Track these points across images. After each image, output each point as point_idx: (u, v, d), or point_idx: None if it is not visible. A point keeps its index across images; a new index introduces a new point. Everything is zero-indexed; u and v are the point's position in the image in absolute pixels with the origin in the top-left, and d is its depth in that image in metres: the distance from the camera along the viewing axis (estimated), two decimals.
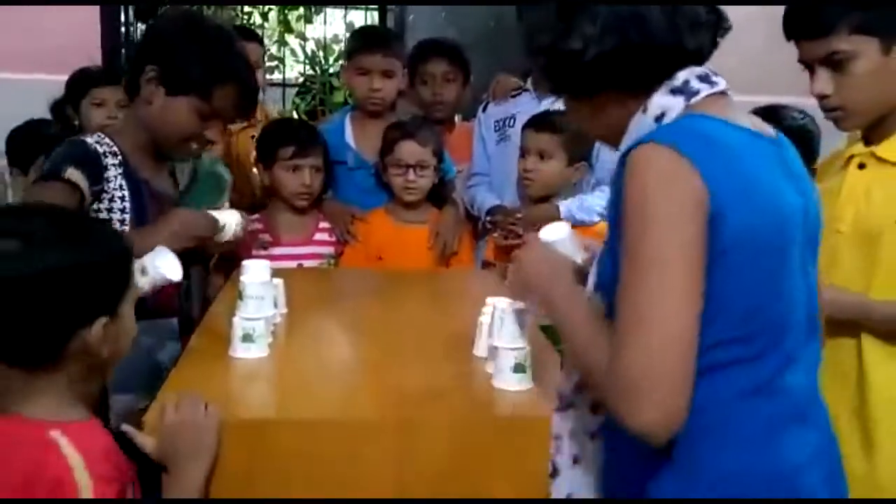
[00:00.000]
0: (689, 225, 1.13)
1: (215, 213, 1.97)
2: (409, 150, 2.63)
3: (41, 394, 1.21)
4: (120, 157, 1.90)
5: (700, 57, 1.28)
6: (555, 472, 1.37)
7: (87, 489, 1.15)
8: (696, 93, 1.24)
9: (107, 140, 1.91)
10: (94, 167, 1.85)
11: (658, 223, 1.13)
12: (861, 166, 1.72)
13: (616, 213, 1.20)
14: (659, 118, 1.24)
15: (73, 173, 1.79)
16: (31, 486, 1.15)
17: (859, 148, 1.72)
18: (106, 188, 1.87)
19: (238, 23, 7.10)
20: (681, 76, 1.25)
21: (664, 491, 1.22)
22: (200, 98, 1.86)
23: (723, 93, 1.27)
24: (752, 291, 1.19)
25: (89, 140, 1.90)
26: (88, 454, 1.18)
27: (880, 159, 1.69)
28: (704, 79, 1.26)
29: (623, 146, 1.26)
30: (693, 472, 1.20)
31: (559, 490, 1.36)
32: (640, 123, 1.25)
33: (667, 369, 1.11)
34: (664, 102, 1.24)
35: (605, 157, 2.69)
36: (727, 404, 1.20)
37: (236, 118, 2.04)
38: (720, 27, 1.29)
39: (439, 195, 2.83)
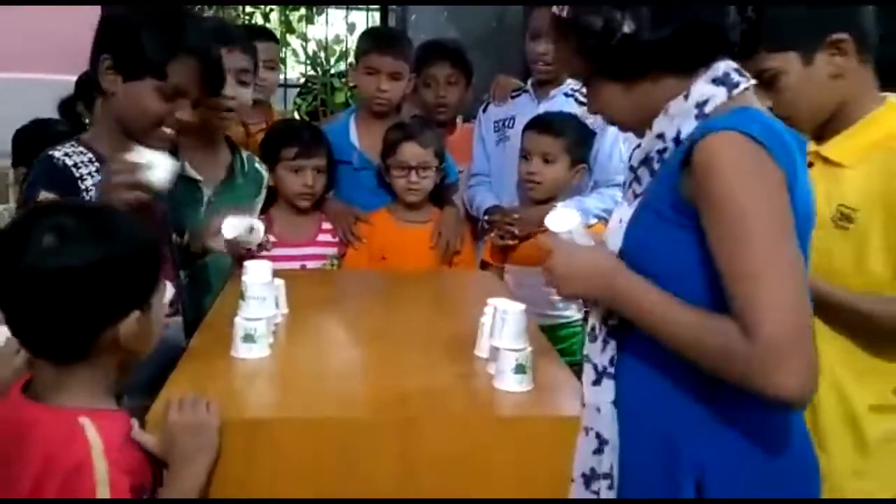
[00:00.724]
0: (781, 200, 1.22)
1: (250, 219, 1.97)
2: (410, 151, 2.64)
3: (75, 385, 1.27)
4: (97, 164, 1.80)
5: (734, 50, 1.35)
6: (601, 447, 1.38)
7: (102, 473, 1.18)
8: (737, 85, 1.32)
9: (80, 148, 1.82)
10: (65, 184, 1.76)
11: (758, 196, 1.21)
12: (810, 165, 1.75)
13: (671, 189, 1.28)
14: (700, 105, 1.31)
15: (45, 196, 1.71)
16: (50, 464, 1.18)
17: (811, 146, 1.76)
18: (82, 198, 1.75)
19: (239, 23, 7.11)
20: (721, 67, 1.32)
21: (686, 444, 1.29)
22: (157, 77, 1.77)
23: (749, 88, 1.34)
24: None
25: (57, 154, 1.79)
26: (109, 441, 1.22)
27: (824, 158, 1.72)
28: (740, 73, 1.33)
29: (664, 129, 1.33)
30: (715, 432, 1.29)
31: (604, 464, 1.37)
32: (682, 109, 1.32)
33: (803, 324, 1.18)
34: (706, 91, 1.31)
35: (604, 160, 2.70)
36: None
37: (204, 94, 1.95)
38: (756, 30, 1.36)
39: (441, 196, 2.84)
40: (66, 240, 1.20)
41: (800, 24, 1.65)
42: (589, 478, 1.38)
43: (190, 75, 1.82)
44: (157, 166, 1.68)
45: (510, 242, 2.65)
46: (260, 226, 2.13)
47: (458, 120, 3.27)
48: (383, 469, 1.41)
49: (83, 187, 1.78)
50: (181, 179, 2.03)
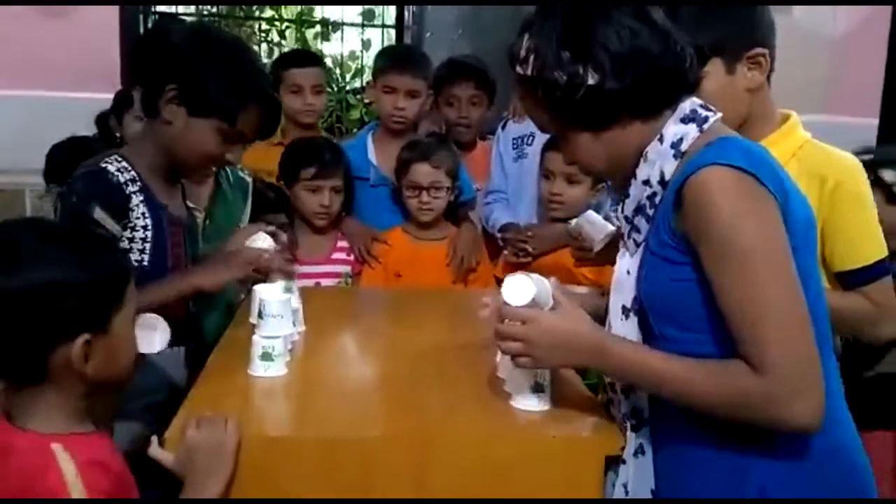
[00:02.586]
0: (777, 228, 1.25)
1: (260, 243, 1.96)
2: (422, 171, 2.64)
3: (45, 407, 1.26)
4: (140, 184, 1.81)
5: (694, 87, 1.40)
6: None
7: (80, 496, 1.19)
8: (706, 119, 1.36)
9: (124, 164, 1.80)
10: (119, 203, 1.76)
11: (753, 230, 1.23)
12: None
13: (669, 231, 1.31)
14: (676, 144, 1.34)
15: (100, 215, 1.71)
16: (26, 493, 1.18)
17: None
18: (130, 219, 1.79)
19: (256, 40, 7.16)
20: (686, 106, 1.37)
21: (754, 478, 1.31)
22: (225, 121, 1.80)
23: (717, 119, 1.38)
24: (807, 290, 1.28)
25: (111, 168, 1.78)
26: (84, 467, 1.22)
27: None
28: (705, 108, 1.38)
29: (648, 175, 1.36)
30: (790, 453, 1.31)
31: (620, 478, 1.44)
32: (660, 152, 1.35)
33: (810, 356, 1.22)
34: (678, 130, 1.35)
35: None
36: None
37: (258, 138, 2.00)
38: (701, 62, 1.42)
39: (457, 213, 2.84)
40: (15, 261, 1.20)
41: (731, 31, 1.66)
42: None
43: (254, 121, 1.85)
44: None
45: (524, 260, 2.63)
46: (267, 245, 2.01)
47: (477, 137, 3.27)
48: (399, 488, 1.41)
49: (130, 207, 1.78)
50: (183, 201, 2.03)
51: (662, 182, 1.34)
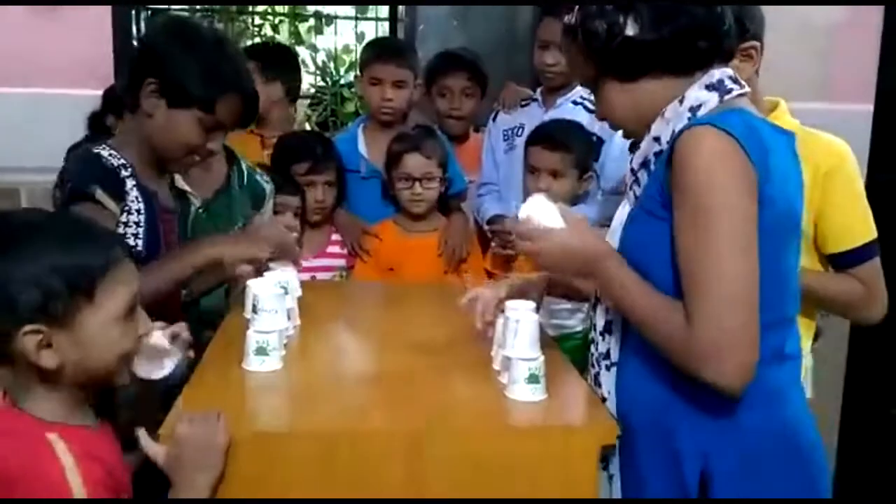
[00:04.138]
0: (747, 198, 1.28)
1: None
2: (414, 162, 2.64)
3: (43, 394, 1.29)
4: (131, 170, 1.86)
5: (729, 56, 1.45)
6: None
7: (78, 491, 1.21)
8: (729, 91, 1.40)
9: (115, 152, 1.86)
10: (116, 184, 1.82)
11: (722, 193, 1.27)
12: None
13: (660, 187, 1.36)
14: (694, 109, 1.38)
15: (101, 195, 1.76)
16: (23, 481, 1.21)
17: None
18: (126, 202, 1.84)
19: (250, 34, 7.15)
20: (716, 74, 1.41)
21: (688, 435, 1.39)
22: (204, 111, 1.83)
23: (743, 94, 1.42)
24: (779, 267, 1.34)
25: (104, 154, 1.84)
26: (82, 459, 1.24)
27: None
28: (734, 80, 1.42)
29: (661, 133, 1.41)
30: (718, 424, 1.37)
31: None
32: (677, 112, 1.39)
33: (740, 324, 1.25)
34: (700, 96, 1.39)
35: (611, 167, 2.68)
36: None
37: (237, 127, 2.01)
38: (741, 35, 1.51)
39: (448, 205, 2.84)
40: None
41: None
42: None
43: (233, 110, 1.88)
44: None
45: (511, 252, 2.62)
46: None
47: (470, 129, 3.27)
48: (395, 480, 1.41)
49: (126, 190, 1.83)
50: (170, 191, 2.05)
51: (672, 142, 1.37)
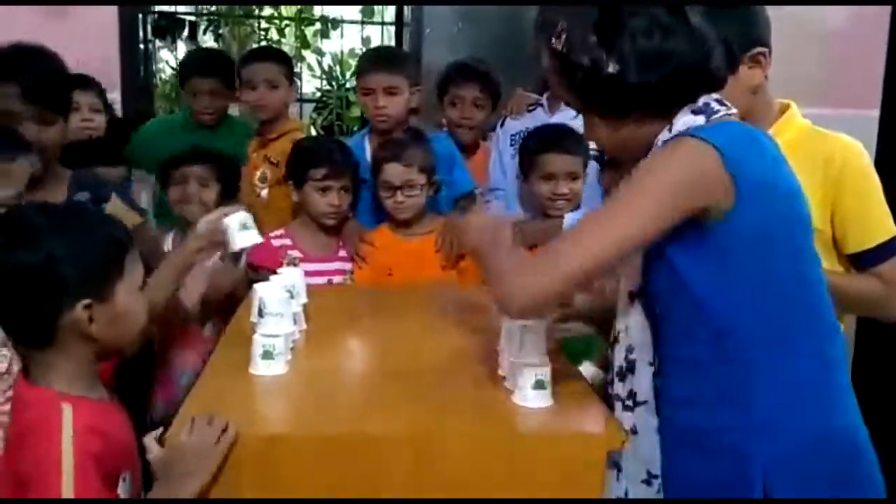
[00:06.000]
0: (682, 199, 1.28)
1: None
2: (394, 171, 2.62)
3: (60, 369, 1.37)
4: None
5: (717, 87, 1.42)
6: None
7: (67, 456, 1.27)
8: (716, 112, 1.38)
9: None
10: None
11: (665, 171, 1.30)
12: None
13: None
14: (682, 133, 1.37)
15: None
16: (29, 435, 1.31)
17: None
18: None
19: (256, 38, 7.16)
20: (701, 99, 1.39)
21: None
22: None
23: (731, 115, 1.41)
24: (807, 276, 1.37)
25: None
26: (80, 433, 1.30)
27: None
28: (720, 102, 1.40)
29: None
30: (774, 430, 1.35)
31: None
32: (665, 139, 1.38)
33: (577, 267, 1.30)
34: (686, 120, 1.37)
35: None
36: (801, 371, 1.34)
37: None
38: (731, 61, 1.47)
39: (455, 205, 2.84)
40: (8, 239, 1.32)
41: (730, 32, 1.65)
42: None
43: None
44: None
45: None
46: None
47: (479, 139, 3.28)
48: (400, 485, 1.41)
49: None
50: None
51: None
